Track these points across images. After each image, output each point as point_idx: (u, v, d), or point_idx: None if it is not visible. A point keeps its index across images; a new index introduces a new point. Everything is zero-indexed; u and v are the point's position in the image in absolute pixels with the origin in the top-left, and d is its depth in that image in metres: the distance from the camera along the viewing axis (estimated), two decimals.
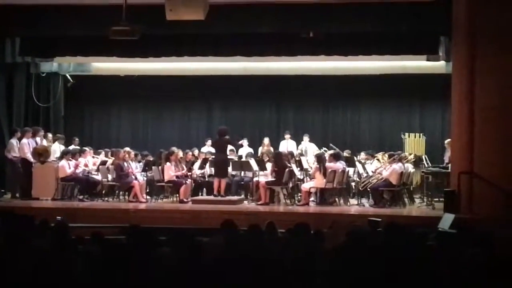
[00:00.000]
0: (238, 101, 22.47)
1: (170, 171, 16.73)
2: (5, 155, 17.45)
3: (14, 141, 17.32)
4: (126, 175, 16.81)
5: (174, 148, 17.73)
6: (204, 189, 17.88)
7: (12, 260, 6.62)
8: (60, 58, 18.86)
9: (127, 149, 17.80)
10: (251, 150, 19.65)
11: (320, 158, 16.48)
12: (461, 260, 6.76)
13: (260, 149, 19.91)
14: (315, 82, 20.97)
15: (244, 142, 20.28)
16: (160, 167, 17.12)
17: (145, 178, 17.27)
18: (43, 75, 20.02)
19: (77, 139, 19.87)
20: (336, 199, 16.33)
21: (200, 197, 17.20)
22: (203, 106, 22.73)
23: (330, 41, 16.40)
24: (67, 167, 16.88)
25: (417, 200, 17.24)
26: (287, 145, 20.09)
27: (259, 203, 16.14)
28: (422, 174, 17.44)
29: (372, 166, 17.53)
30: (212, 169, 17.25)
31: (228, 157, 17.11)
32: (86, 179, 17.17)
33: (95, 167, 17.75)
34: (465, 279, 6.39)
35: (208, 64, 19.41)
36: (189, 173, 17.38)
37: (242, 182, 17.57)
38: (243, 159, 17.85)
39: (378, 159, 17.80)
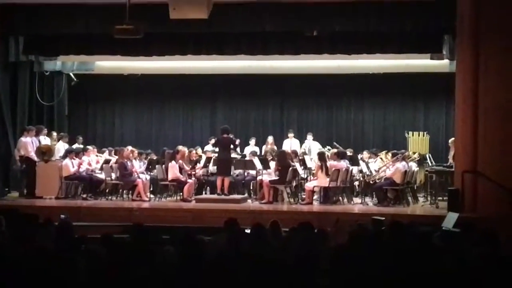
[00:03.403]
0: (242, 100, 22.50)
1: (175, 170, 16.71)
2: (14, 154, 17.53)
3: (24, 139, 17.34)
4: (129, 173, 16.81)
5: (180, 147, 17.75)
6: (208, 188, 17.88)
7: (16, 259, 6.63)
8: (63, 56, 18.86)
9: (130, 148, 17.79)
10: (256, 148, 19.62)
11: (321, 156, 16.46)
12: (466, 259, 6.75)
13: (264, 147, 19.89)
14: (319, 81, 20.98)
15: (252, 141, 20.29)
16: (163, 165, 17.11)
17: (148, 177, 17.28)
18: (47, 73, 20.01)
19: (80, 137, 19.88)
20: (340, 198, 16.34)
21: (203, 196, 17.19)
22: (207, 105, 22.72)
23: (334, 40, 16.39)
24: (70, 165, 16.89)
25: (421, 199, 17.22)
26: (290, 143, 20.08)
27: (262, 202, 16.13)
28: (426, 172, 17.43)
29: (375, 165, 17.53)
30: (215, 167, 17.23)
31: (231, 155, 17.12)
32: (89, 178, 17.18)
33: (99, 166, 17.76)
34: (470, 278, 6.38)
35: (212, 63, 19.38)
36: (193, 172, 17.39)
37: (243, 181, 17.53)
38: (247, 157, 17.83)
39: (381, 158, 17.79)
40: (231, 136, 17.14)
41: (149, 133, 22.81)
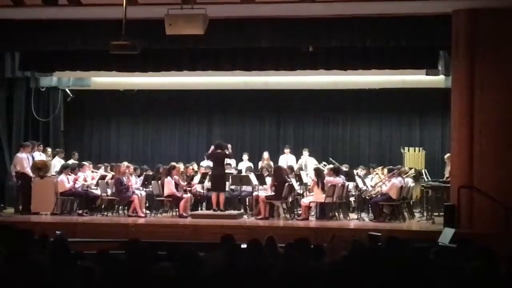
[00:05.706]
0: (238, 115, 22.50)
1: (171, 186, 16.67)
2: (11, 170, 17.54)
3: (20, 155, 17.33)
4: (126, 189, 16.77)
5: (174, 163, 17.69)
6: (204, 203, 17.85)
7: (12, 275, 6.59)
8: (59, 72, 18.86)
9: (126, 163, 17.77)
10: (250, 164, 19.62)
11: (318, 172, 16.46)
12: (462, 275, 6.74)
13: (260, 163, 19.88)
14: (315, 97, 21.02)
15: (244, 156, 20.30)
16: (159, 181, 17.08)
17: (143, 193, 17.23)
18: (43, 89, 20.03)
19: (76, 153, 19.87)
20: (336, 213, 16.32)
21: (199, 212, 17.17)
22: (203, 121, 22.72)
23: (329, 56, 16.41)
24: (66, 181, 16.85)
25: (417, 215, 17.21)
26: (286, 159, 20.05)
27: (258, 217, 16.11)
28: (422, 188, 17.43)
29: (371, 180, 17.52)
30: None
31: (226, 171, 17.09)
32: (85, 194, 17.15)
33: (94, 182, 17.72)
34: None
35: (208, 79, 19.42)
36: (188, 188, 17.37)
37: (239, 197, 17.50)
38: (243, 173, 17.81)
39: (377, 174, 17.78)
40: (226, 152, 17.11)
41: (145, 149, 22.80)
